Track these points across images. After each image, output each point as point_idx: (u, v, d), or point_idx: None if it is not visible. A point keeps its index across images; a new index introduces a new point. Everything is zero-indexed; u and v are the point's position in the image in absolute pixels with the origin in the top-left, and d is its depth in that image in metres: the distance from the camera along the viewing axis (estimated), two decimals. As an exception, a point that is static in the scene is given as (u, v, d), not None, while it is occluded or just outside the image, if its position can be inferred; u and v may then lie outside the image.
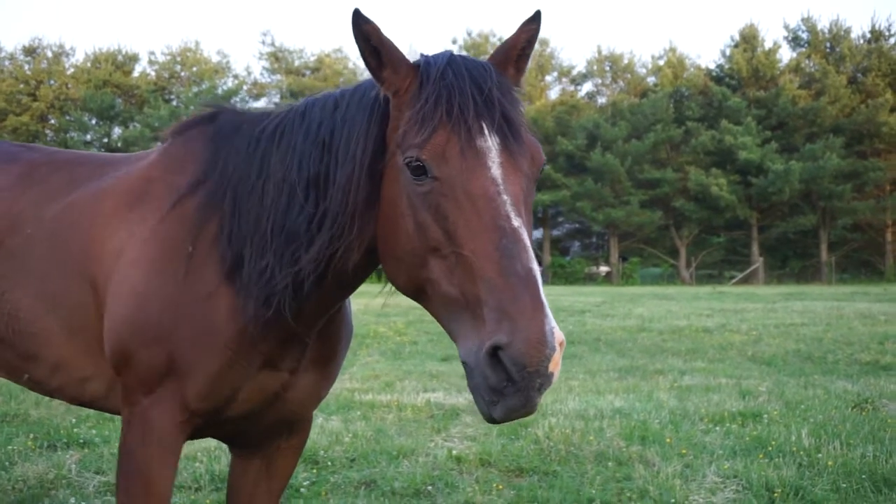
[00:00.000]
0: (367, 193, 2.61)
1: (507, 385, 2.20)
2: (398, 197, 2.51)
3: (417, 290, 2.54)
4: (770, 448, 6.96)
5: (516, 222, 2.34)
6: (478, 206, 2.35)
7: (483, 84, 2.49)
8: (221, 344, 2.85)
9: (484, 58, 2.70)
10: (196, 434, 3.10)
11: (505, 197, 2.36)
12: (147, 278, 2.88)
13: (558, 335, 2.22)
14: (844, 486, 5.89)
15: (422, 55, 2.64)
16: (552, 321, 2.22)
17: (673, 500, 5.66)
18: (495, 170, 2.40)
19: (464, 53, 2.66)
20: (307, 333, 2.94)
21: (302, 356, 3.02)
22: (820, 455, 6.64)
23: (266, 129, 2.94)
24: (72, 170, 3.37)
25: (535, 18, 2.73)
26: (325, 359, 3.15)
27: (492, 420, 2.30)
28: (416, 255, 2.46)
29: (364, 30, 2.51)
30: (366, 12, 2.52)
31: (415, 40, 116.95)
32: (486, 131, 2.43)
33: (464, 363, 2.32)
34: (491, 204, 2.34)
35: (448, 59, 2.57)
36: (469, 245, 2.33)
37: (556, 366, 2.22)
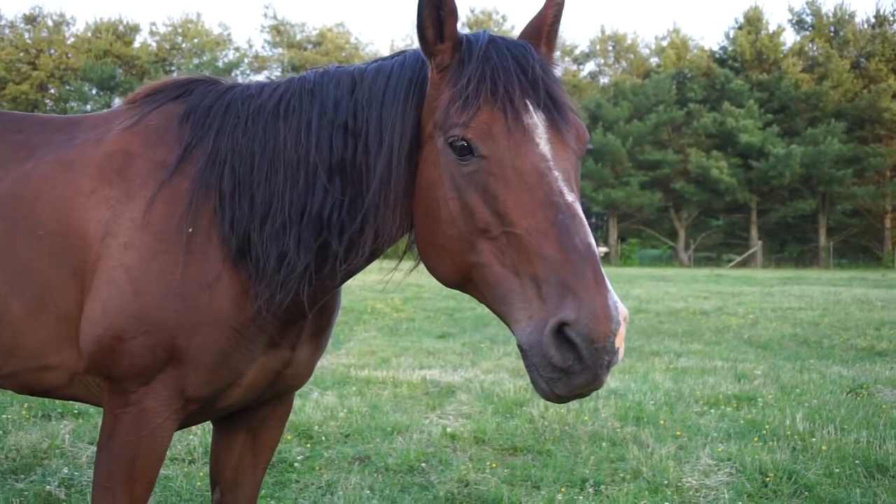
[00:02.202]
0: (406, 182, 2.54)
1: (574, 363, 2.15)
2: (439, 180, 2.44)
3: (463, 278, 2.46)
4: (764, 431, 6.96)
5: (570, 197, 2.30)
6: (529, 183, 2.30)
7: (525, 63, 2.45)
8: (228, 329, 2.73)
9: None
10: (189, 421, 2.99)
11: (556, 173, 2.32)
12: (144, 263, 2.69)
13: (622, 310, 2.18)
14: (837, 470, 5.89)
15: (459, 33, 2.55)
16: (615, 296, 2.18)
17: (666, 482, 5.66)
18: (544, 146, 2.35)
19: (501, 35, 2.61)
20: (312, 310, 2.86)
21: (301, 331, 2.97)
22: (814, 439, 6.64)
23: (265, 105, 2.79)
24: (13, 135, 3.05)
25: None
26: (320, 330, 3.10)
27: (556, 398, 2.25)
28: (463, 239, 2.39)
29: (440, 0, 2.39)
30: None
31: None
32: (531, 109, 2.39)
33: (520, 346, 2.27)
34: (543, 180, 2.30)
35: (489, 39, 2.51)
36: (522, 223, 2.27)
37: (621, 341, 2.17)
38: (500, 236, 2.32)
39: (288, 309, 2.76)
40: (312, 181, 2.66)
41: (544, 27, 2.63)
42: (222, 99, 2.90)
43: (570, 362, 2.15)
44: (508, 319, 2.34)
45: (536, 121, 2.38)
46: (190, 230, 2.71)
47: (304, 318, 2.92)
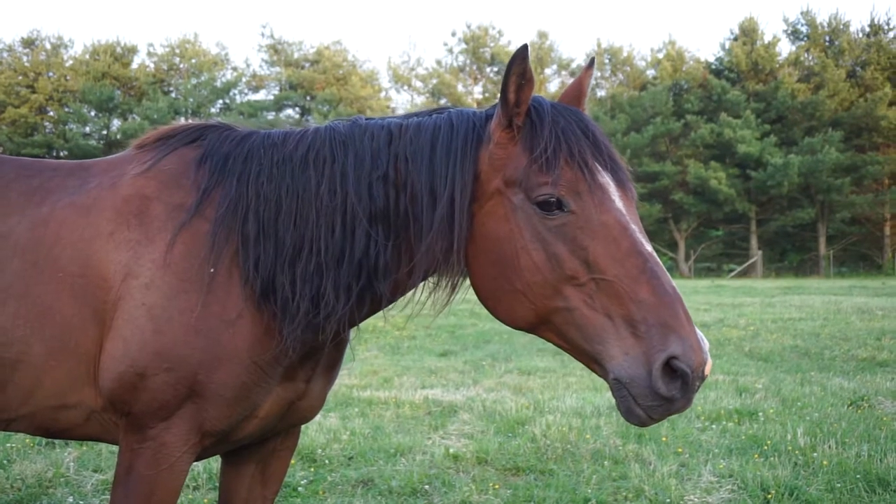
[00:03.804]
0: (468, 230, 2.74)
1: (676, 391, 2.46)
2: (516, 233, 2.65)
3: (541, 320, 2.67)
4: (766, 447, 6.99)
5: (650, 247, 2.60)
6: (614, 236, 2.58)
7: (586, 128, 2.73)
8: (250, 364, 2.83)
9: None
10: (204, 454, 3.07)
11: (633, 226, 2.61)
12: (166, 301, 2.79)
13: (706, 342, 2.52)
14: (839, 485, 5.92)
15: None
16: (698, 331, 2.51)
17: (668, 500, 5.68)
18: (619, 202, 2.64)
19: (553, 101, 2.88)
20: (333, 342, 2.97)
21: (317, 365, 3.07)
22: (815, 454, 6.66)
23: (291, 154, 2.92)
24: (27, 181, 3.12)
25: (592, 64, 2.99)
26: (334, 362, 3.20)
27: (648, 422, 2.55)
28: (548, 285, 2.61)
29: (527, 67, 2.62)
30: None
31: (413, 33, 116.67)
32: (601, 169, 2.67)
33: (616, 379, 2.52)
34: (625, 232, 2.58)
35: (551, 104, 2.77)
36: (613, 271, 2.54)
37: (709, 369, 2.51)
38: (588, 283, 2.58)
39: (305, 342, 2.88)
40: (351, 228, 2.81)
41: (583, 95, 2.93)
42: (241, 146, 3.03)
43: (673, 391, 2.45)
44: (601, 356, 2.57)
45: (608, 180, 2.67)
46: (212, 270, 2.82)
47: (322, 352, 3.02)
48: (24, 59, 65.59)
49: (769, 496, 5.71)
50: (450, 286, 2.91)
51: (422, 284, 2.97)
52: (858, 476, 6.06)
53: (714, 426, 7.93)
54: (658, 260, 2.59)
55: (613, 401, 8.07)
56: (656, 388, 2.45)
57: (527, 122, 2.71)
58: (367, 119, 3.00)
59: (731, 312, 21.53)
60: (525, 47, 2.61)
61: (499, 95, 2.72)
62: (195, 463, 6.20)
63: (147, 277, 2.82)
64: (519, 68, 2.61)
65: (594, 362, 2.60)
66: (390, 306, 3.04)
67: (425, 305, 2.99)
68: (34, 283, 2.91)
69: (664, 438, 7.31)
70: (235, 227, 2.86)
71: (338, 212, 2.81)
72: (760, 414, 8.42)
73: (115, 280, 2.84)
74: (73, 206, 3.00)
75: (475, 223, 2.74)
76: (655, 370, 2.44)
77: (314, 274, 2.80)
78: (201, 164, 3.01)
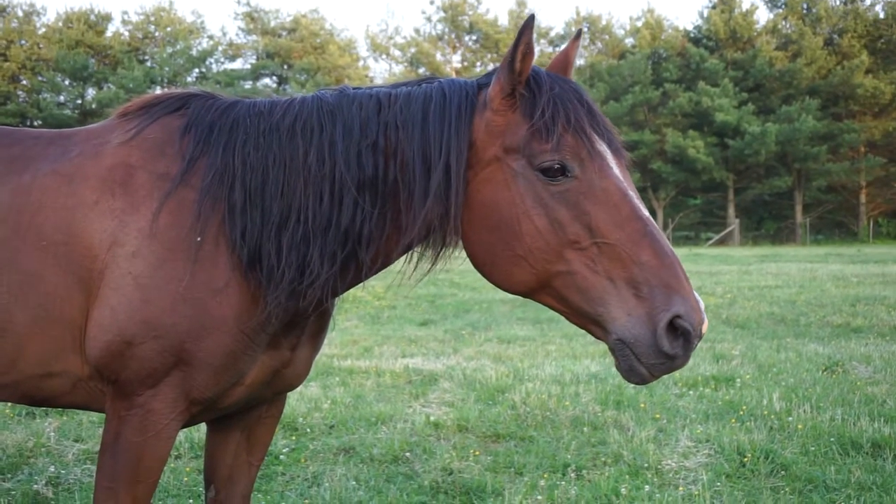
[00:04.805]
0: (464, 197, 2.76)
1: (679, 349, 2.55)
2: (516, 198, 2.69)
3: (541, 285, 2.72)
4: (742, 412, 7.09)
5: (646, 212, 2.68)
6: (615, 201, 2.64)
7: (580, 97, 2.78)
8: (238, 332, 2.84)
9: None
10: (191, 421, 3.08)
11: (631, 192, 2.68)
12: (152, 270, 2.79)
13: (702, 302, 2.61)
14: (813, 448, 6.01)
15: None
16: (695, 291, 2.62)
17: (646, 465, 5.76)
18: (616, 169, 2.71)
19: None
20: (317, 311, 2.98)
21: (302, 333, 3.08)
22: (790, 418, 6.76)
23: (279, 123, 2.90)
24: (7, 149, 3.08)
25: (579, 35, 3.09)
26: (320, 330, 3.21)
27: (650, 380, 2.64)
28: (550, 250, 2.66)
29: (531, 37, 2.68)
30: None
31: (391, 1, 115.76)
32: (596, 137, 2.72)
33: (619, 339, 2.60)
34: (625, 198, 2.65)
35: (546, 73, 2.81)
36: (614, 235, 2.61)
37: (706, 328, 2.62)
38: (590, 247, 2.64)
39: (289, 309, 2.88)
40: (339, 196, 2.81)
41: (569, 66, 2.97)
42: (226, 115, 3.00)
43: (677, 349, 2.55)
44: (603, 318, 2.64)
45: (605, 148, 2.73)
46: (199, 239, 2.81)
47: (306, 320, 3.03)
48: (-4, 27, 64.58)
49: (745, 459, 5.80)
50: (436, 255, 2.93)
51: (404, 255, 2.98)
52: (832, 439, 6.16)
53: (691, 392, 8.02)
54: (656, 224, 2.65)
55: (592, 368, 8.11)
56: (661, 346, 2.53)
57: (526, 90, 2.74)
58: (354, 89, 2.98)
59: (708, 280, 21.71)
60: (532, 17, 2.67)
61: (503, 63, 2.73)
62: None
63: (133, 246, 2.81)
64: (527, 37, 2.65)
65: (594, 324, 2.66)
66: (371, 277, 3.03)
67: (407, 275, 3.00)
68: (17, 251, 2.88)
69: (642, 405, 7.40)
70: (222, 196, 2.84)
71: (326, 180, 2.80)
72: (737, 380, 8.52)
73: (101, 249, 2.83)
74: (56, 175, 2.97)
75: (470, 190, 2.76)
76: (660, 329, 2.52)
77: (301, 242, 2.80)
78: (186, 133, 2.98)
